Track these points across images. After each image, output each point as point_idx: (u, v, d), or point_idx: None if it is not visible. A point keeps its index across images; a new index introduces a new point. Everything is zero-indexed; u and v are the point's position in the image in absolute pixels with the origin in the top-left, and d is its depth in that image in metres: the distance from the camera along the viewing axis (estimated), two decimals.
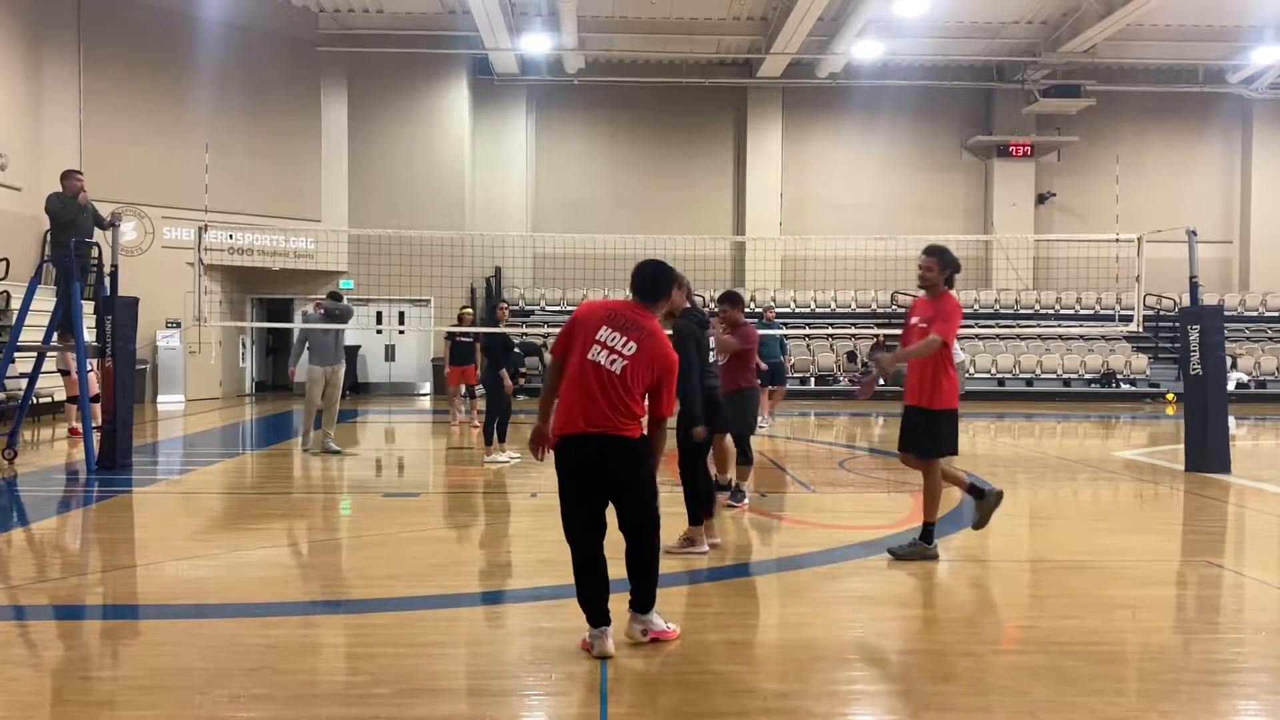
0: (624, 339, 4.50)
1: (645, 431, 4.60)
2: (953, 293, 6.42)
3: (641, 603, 4.62)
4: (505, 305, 12.64)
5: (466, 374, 14.87)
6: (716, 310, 8.07)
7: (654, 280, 4.73)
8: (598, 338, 4.51)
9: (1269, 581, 6.05)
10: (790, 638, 4.96)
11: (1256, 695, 4.18)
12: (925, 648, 4.68)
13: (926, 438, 6.30)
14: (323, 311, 12.23)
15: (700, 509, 6.44)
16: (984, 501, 6.56)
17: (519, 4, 22.46)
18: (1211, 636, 4.99)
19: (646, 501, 4.58)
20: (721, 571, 6.08)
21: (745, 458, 8.19)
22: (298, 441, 12.37)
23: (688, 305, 6.45)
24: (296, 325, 23.10)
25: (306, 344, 11.87)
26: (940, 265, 6.35)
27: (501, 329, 11.68)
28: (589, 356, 4.49)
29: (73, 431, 13.80)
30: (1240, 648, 4.79)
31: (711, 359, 6.43)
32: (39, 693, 4.10)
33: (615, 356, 4.48)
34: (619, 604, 4.57)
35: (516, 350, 13.11)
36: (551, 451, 4.61)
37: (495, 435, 11.13)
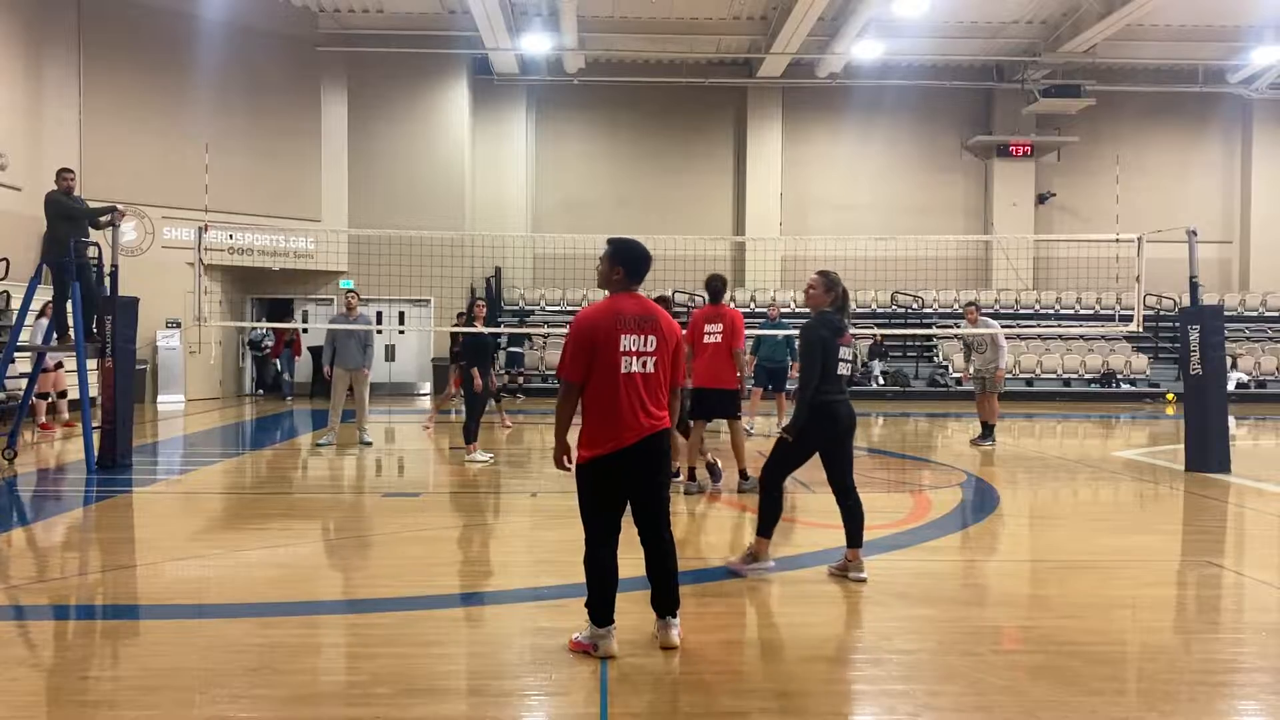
0: (643, 338, 4.48)
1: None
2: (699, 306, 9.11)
3: (674, 604, 4.61)
4: (482, 303, 12.53)
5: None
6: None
7: (643, 259, 4.62)
8: (622, 350, 4.43)
9: (1269, 581, 6.05)
10: (790, 638, 4.96)
11: (1256, 695, 4.18)
12: (925, 648, 4.68)
13: None
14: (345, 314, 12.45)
15: (771, 522, 5.91)
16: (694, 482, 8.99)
17: (519, 4, 22.46)
18: (1211, 636, 4.98)
19: (667, 489, 4.65)
20: (721, 572, 6.07)
21: None
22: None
23: (826, 310, 5.85)
24: (298, 325, 23.30)
25: (335, 345, 12.08)
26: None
27: (478, 328, 11.61)
28: (624, 371, 4.42)
29: (43, 428, 13.80)
30: (1240, 648, 4.79)
31: (841, 370, 5.77)
32: (39, 693, 4.10)
33: (646, 358, 4.47)
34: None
35: (504, 348, 13.14)
36: (578, 465, 4.49)
37: (474, 434, 11.22)
